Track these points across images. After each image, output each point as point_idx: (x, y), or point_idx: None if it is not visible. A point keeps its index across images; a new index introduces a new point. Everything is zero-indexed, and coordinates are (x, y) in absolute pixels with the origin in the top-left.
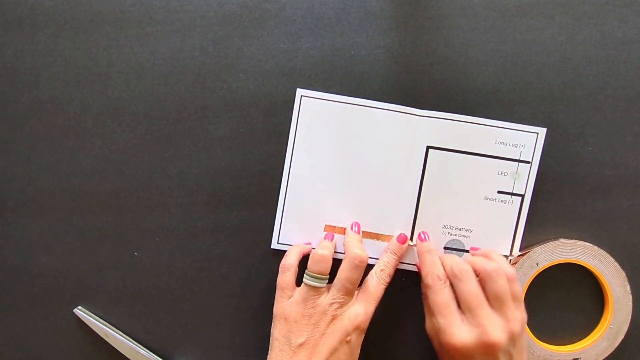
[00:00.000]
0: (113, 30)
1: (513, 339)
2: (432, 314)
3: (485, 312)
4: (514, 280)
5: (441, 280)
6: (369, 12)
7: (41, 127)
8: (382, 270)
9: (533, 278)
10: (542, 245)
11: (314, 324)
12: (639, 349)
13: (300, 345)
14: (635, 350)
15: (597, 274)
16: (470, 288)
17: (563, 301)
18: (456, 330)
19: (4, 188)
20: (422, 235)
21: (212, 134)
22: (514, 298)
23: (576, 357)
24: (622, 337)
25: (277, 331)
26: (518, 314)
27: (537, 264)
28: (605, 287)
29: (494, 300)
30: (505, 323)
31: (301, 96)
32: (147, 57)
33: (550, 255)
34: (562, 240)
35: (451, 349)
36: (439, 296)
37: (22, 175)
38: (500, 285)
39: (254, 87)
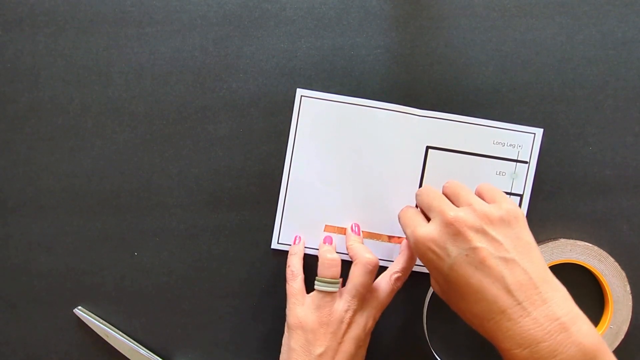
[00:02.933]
0: (113, 30)
1: (486, 219)
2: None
3: (443, 202)
4: (483, 185)
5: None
6: (369, 12)
7: (41, 127)
8: (398, 277)
9: None
10: (542, 245)
11: (332, 333)
12: (639, 349)
13: (320, 355)
14: (635, 350)
15: (597, 274)
16: (428, 193)
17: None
18: (419, 228)
19: (4, 188)
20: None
21: (212, 134)
22: (484, 193)
23: None
24: (622, 337)
25: (294, 342)
26: (487, 203)
27: None
28: (605, 287)
29: (451, 197)
30: (467, 206)
31: (301, 96)
32: (147, 57)
33: (550, 255)
34: (562, 240)
35: (422, 248)
36: (405, 214)
37: (22, 175)
38: (452, 183)
39: (254, 87)
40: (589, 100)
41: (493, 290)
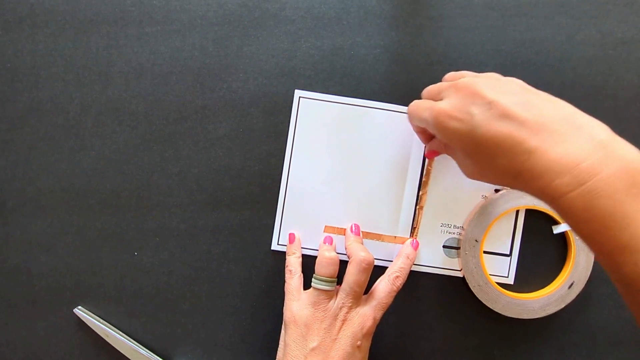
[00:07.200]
0: (113, 30)
1: (491, 78)
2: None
3: (444, 84)
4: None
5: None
6: (369, 12)
7: (41, 127)
8: (397, 277)
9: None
10: (509, 191)
11: (325, 329)
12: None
13: (313, 349)
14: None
15: (541, 209)
16: (428, 89)
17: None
18: (436, 104)
19: (4, 188)
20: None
21: (212, 134)
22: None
23: (571, 283)
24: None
25: (289, 337)
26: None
27: (476, 240)
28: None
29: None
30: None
31: (299, 97)
32: (147, 57)
33: (518, 200)
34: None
35: (444, 118)
36: (415, 103)
37: (22, 175)
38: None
39: (254, 87)
40: (588, 100)
41: (522, 133)
